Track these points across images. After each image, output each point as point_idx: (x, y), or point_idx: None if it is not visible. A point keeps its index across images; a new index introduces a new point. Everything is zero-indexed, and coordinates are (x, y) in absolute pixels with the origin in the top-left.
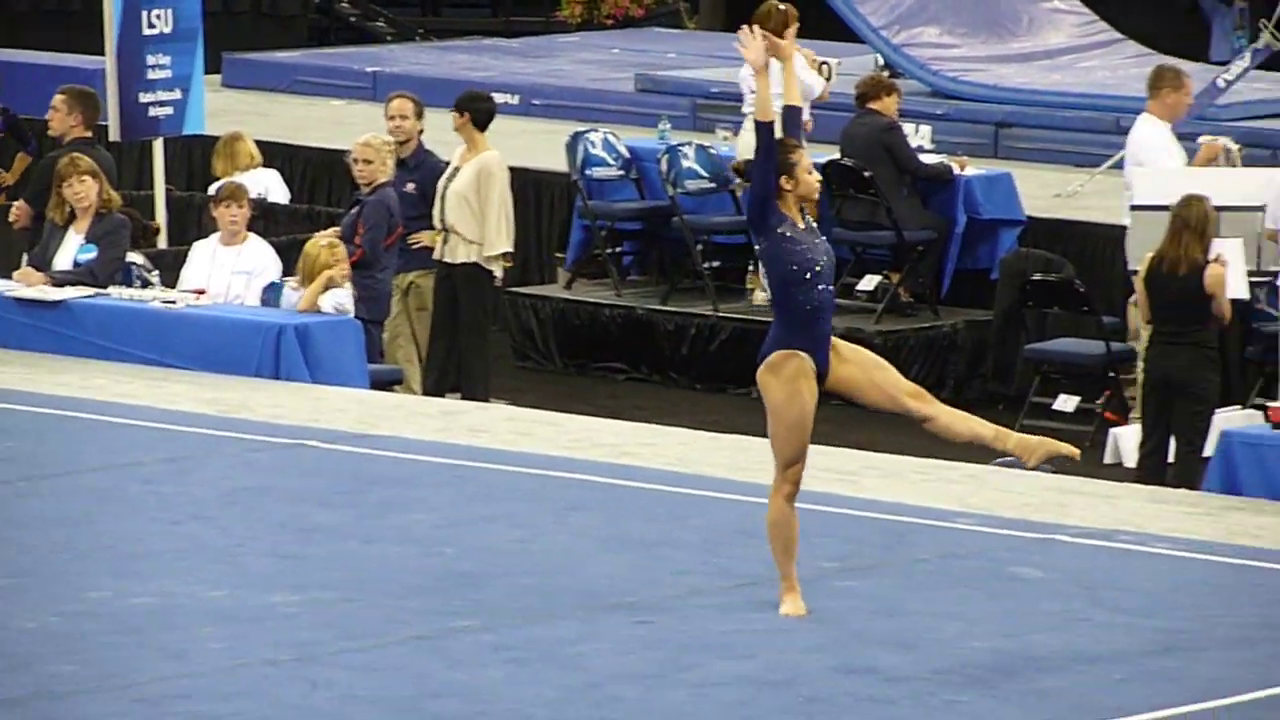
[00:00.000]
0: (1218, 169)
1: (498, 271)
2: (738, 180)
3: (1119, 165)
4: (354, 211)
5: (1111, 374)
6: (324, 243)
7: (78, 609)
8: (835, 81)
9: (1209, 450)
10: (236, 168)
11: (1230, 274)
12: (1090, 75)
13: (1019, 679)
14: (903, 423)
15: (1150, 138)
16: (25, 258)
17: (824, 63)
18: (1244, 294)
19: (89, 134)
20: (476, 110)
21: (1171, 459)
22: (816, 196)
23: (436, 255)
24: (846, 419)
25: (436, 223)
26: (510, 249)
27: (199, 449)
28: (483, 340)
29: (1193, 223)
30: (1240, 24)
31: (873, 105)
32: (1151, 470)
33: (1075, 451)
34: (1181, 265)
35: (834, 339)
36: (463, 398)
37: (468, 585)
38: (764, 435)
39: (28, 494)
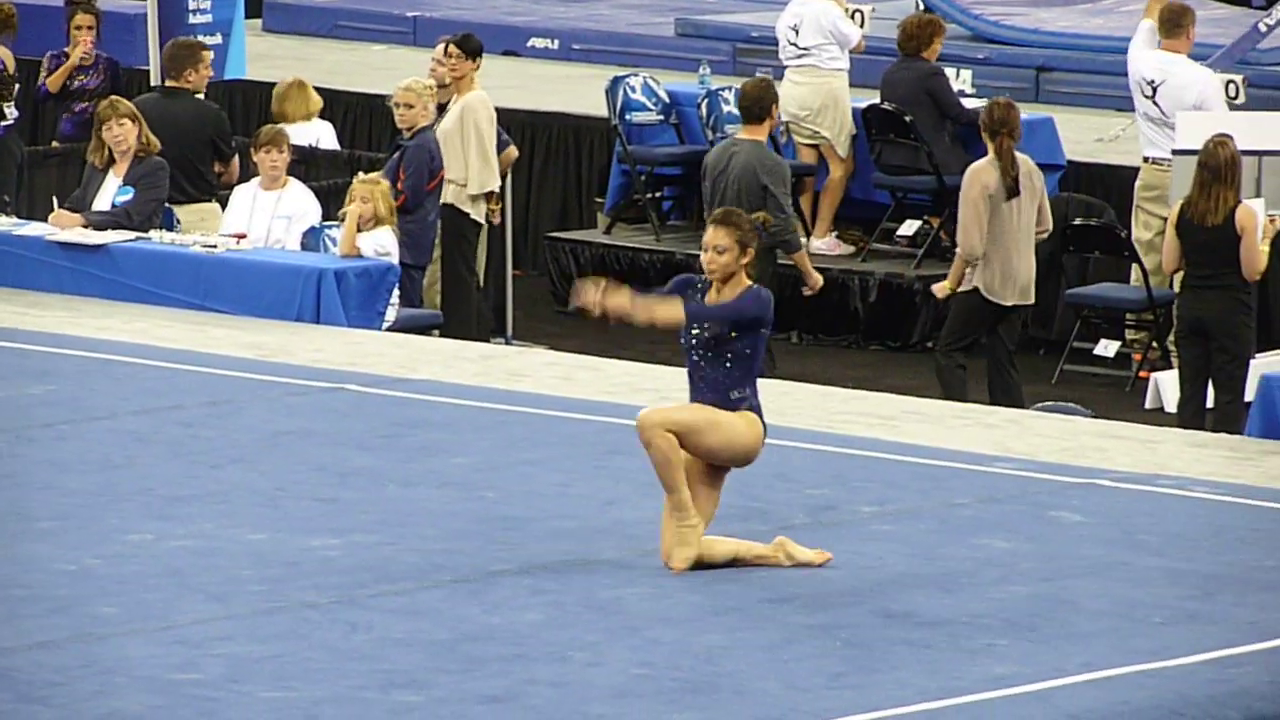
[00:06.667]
0: (1264, 113)
1: (474, 214)
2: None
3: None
4: (395, 156)
5: (1151, 318)
6: (364, 178)
7: (118, 551)
8: (870, 27)
9: (1249, 395)
10: (300, 115)
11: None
12: (1133, 19)
13: (1057, 623)
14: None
15: (1200, 76)
16: (55, 200)
17: (857, 10)
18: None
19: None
20: (478, 52)
21: (1211, 405)
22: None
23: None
24: (884, 364)
25: None
26: (491, 188)
27: (239, 393)
28: (464, 284)
29: (1221, 171)
30: None
31: (918, 50)
32: (1190, 417)
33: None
34: (1211, 215)
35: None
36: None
37: (507, 529)
38: (802, 380)
39: (69, 437)
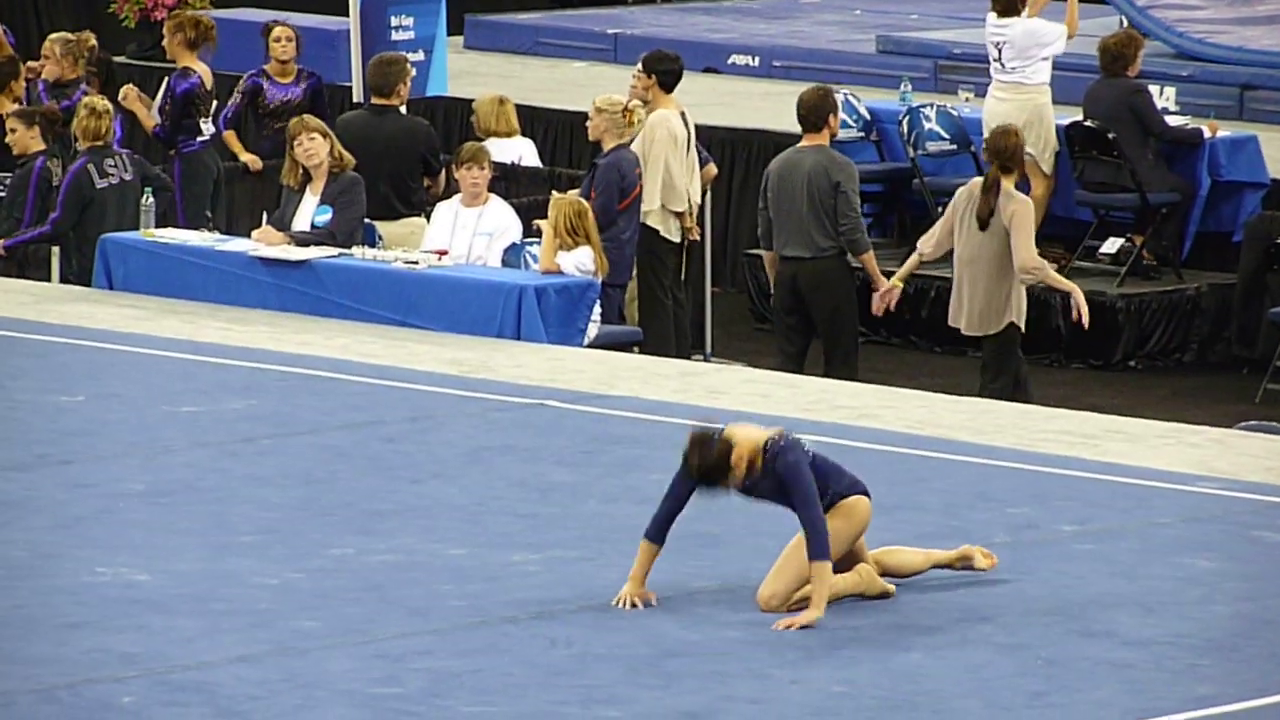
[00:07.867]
0: None
1: (664, 231)
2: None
3: None
4: (589, 175)
5: None
6: (558, 197)
7: (320, 566)
8: (1068, 45)
9: None
10: (498, 131)
11: None
12: None
13: (1261, 643)
14: (1145, 387)
15: None
16: (265, 217)
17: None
18: None
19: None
20: (662, 71)
21: None
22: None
23: None
24: (1086, 382)
25: None
26: (676, 208)
27: (440, 408)
28: (657, 301)
29: None
30: None
31: (1122, 69)
32: None
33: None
34: None
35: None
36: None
37: (706, 545)
38: (1000, 398)
39: (272, 452)
